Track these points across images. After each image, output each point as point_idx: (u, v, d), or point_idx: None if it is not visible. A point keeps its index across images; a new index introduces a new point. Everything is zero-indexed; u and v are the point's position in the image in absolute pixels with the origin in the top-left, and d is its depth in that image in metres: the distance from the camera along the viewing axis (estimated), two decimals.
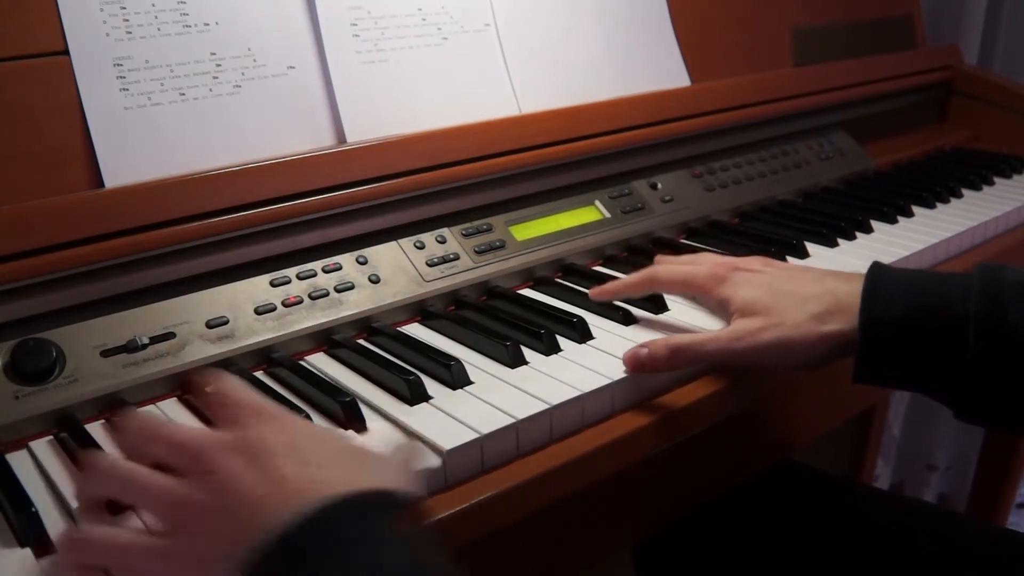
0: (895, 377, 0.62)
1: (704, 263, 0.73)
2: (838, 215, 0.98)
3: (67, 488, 0.53)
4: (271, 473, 0.42)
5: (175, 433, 0.45)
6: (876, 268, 0.64)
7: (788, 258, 0.88)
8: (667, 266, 0.75)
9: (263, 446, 0.43)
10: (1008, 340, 0.56)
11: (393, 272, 0.76)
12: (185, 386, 0.64)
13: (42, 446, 0.58)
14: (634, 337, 0.70)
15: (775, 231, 0.95)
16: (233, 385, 0.49)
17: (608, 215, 0.90)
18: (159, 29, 0.71)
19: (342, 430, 0.57)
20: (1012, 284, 0.58)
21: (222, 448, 0.44)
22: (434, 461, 0.54)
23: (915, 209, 1.03)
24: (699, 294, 0.74)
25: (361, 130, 0.80)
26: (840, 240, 0.93)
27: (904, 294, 0.60)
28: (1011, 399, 0.58)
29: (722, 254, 0.79)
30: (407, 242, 0.78)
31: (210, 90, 0.73)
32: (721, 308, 0.70)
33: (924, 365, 0.59)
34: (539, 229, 0.85)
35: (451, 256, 0.79)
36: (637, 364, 0.63)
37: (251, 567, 0.39)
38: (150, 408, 0.62)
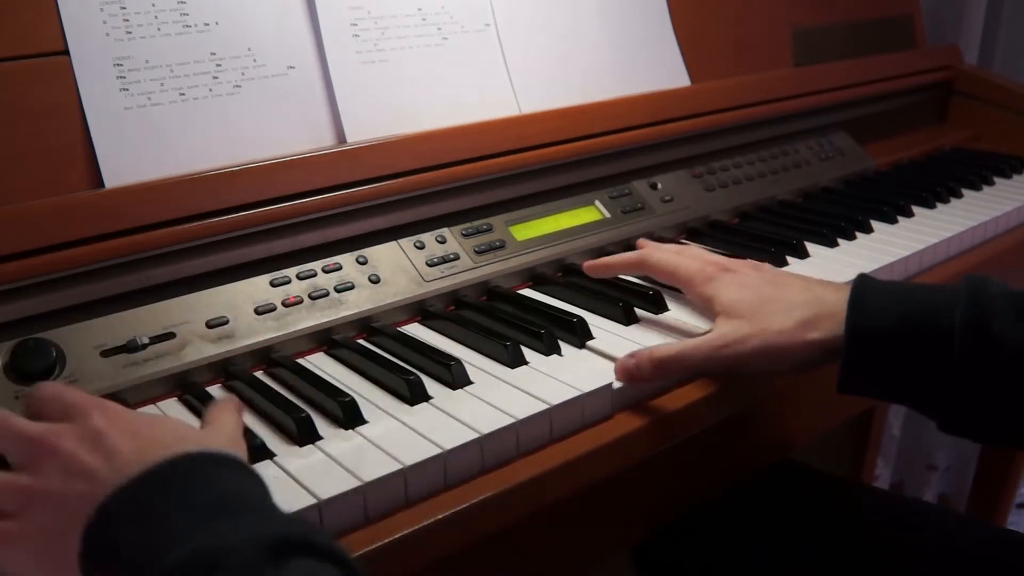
0: (880, 387, 0.61)
1: (695, 258, 0.73)
2: (838, 215, 0.98)
3: None
4: (104, 447, 0.46)
5: (15, 425, 0.48)
6: (862, 278, 0.63)
7: (788, 258, 0.88)
8: (659, 252, 0.76)
9: (96, 428, 0.47)
10: (994, 352, 0.56)
11: (393, 272, 0.76)
12: (185, 387, 0.64)
13: None
14: (634, 337, 0.70)
15: (775, 231, 0.95)
16: (56, 387, 0.51)
17: (608, 215, 0.90)
18: (159, 29, 0.71)
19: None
20: (998, 296, 0.57)
21: (59, 434, 0.47)
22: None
23: (915, 209, 1.03)
24: (685, 288, 0.73)
25: (361, 130, 0.80)
26: (840, 240, 0.93)
27: (891, 304, 0.60)
28: (996, 412, 0.57)
29: (711, 250, 0.79)
30: (407, 242, 0.78)
31: (210, 90, 0.73)
32: (705, 306, 0.70)
33: (909, 376, 0.59)
34: (539, 229, 0.85)
35: (451, 256, 0.79)
36: (627, 376, 0.64)
37: (92, 532, 0.43)
38: (150, 408, 0.62)
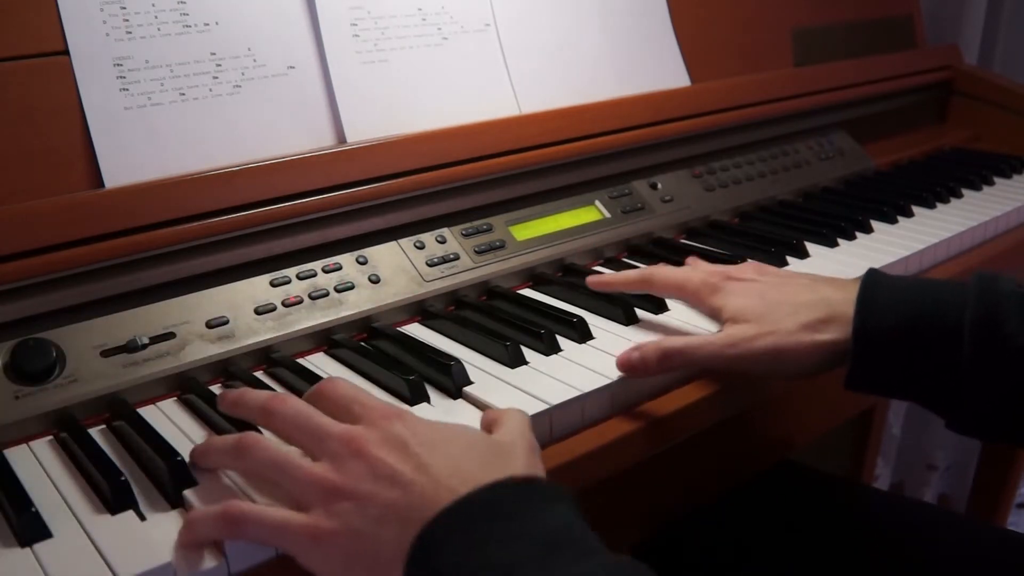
0: (888, 386, 0.61)
1: (698, 271, 0.73)
2: (838, 215, 0.98)
3: (67, 488, 0.53)
4: (413, 457, 0.46)
5: (323, 424, 0.49)
6: (872, 275, 0.63)
7: (788, 258, 0.88)
8: (663, 269, 0.75)
9: (403, 438, 0.47)
10: (1004, 351, 0.56)
11: (393, 272, 0.76)
12: (185, 387, 0.64)
13: (42, 446, 0.58)
14: (634, 337, 0.70)
15: (775, 231, 0.95)
16: (352, 388, 0.52)
17: (608, 215, 0.90)
18: (159, 29, 0.71)
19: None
20: (1008, 294, 0.57)
21: (365, 437, 0.47)
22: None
23: (915, 209, 1.03)
24: (691, 301, 0.74)
25: (361, 130, 0.80)
26: (840, 240, 0.93)
27: (899, 303, 0.59)
28: (1005, 411, 0.57)
29: (722, 256, 0.79)
30: (407, 242, 0.78)
31: (210, 90, 0.73)
32: (713, 318, 0.70)
33: (918, 375, 0.59)
34: (539, 229, 0.85)
35: (451, 256, 0.79)
36: (629, 367, 0.63)
37: (417, 557, 0.42)
38: (150, 408, 0.62)
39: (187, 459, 0.53)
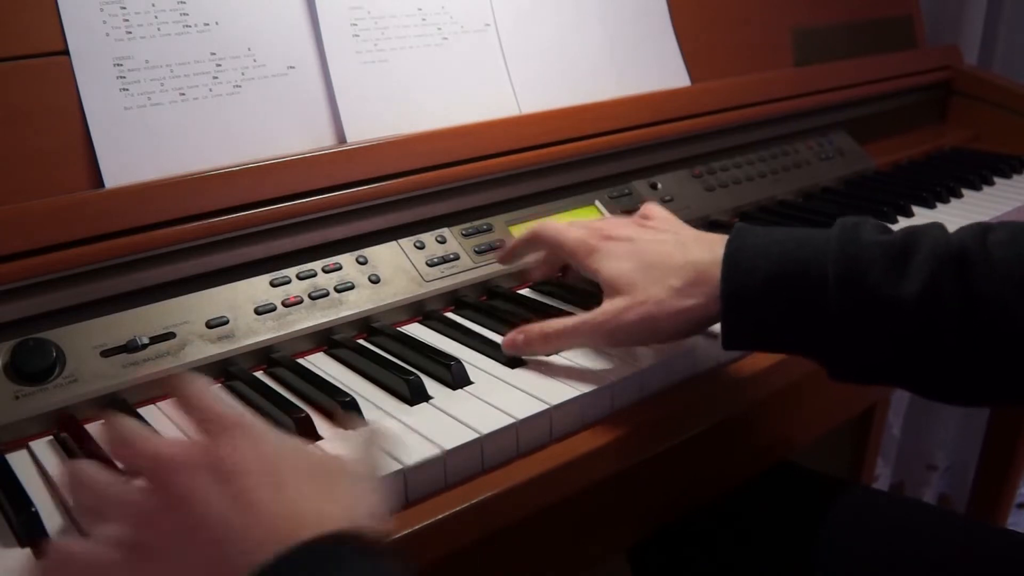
0: (763, 344, 0.62)
1: (581, 227, 0.71)
2: (838, 215, 0.97)
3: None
4: (242, 498, 0.40)
5: (148, 444, 0.44)
6: (739, 231, 0.63)
7: None
8: (552, 225, 0.73)
9: (236, 466, 0.41)
10: (870, 301, 0.56)
11: (393, 272, 0.76)
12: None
13: (42, 446, 0.58)
14: None
15: None
16: (204, 392, 0.46)
17: (608, 215, 0.90)
18: (159, 29, 0.71)
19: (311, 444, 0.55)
20: (868, 244, 0.57)
21: (194, 465, 0.42)
22: (402, 462, 0.54)
23: (915, 209, 1.03)
24: (569, 261, 0.72)
25: (361, 130, 0.80)
26: None
27: (763, 262, 0.59)
28: (881, 356, 0.58)
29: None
30: (407, 242, 0.78)
31: (210, 90, 0.73)
32: (594, 280, 0.69)
33: (790, 330, 0.59)
34: None
35: (451, 256, 0.79)
36: (513, 347, 0.66)
37: None
38: (150, 408, 0.62)
39: None
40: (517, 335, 0.66)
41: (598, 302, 0.75)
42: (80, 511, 0.48)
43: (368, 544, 0.40)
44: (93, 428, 0.59)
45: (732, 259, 0.61)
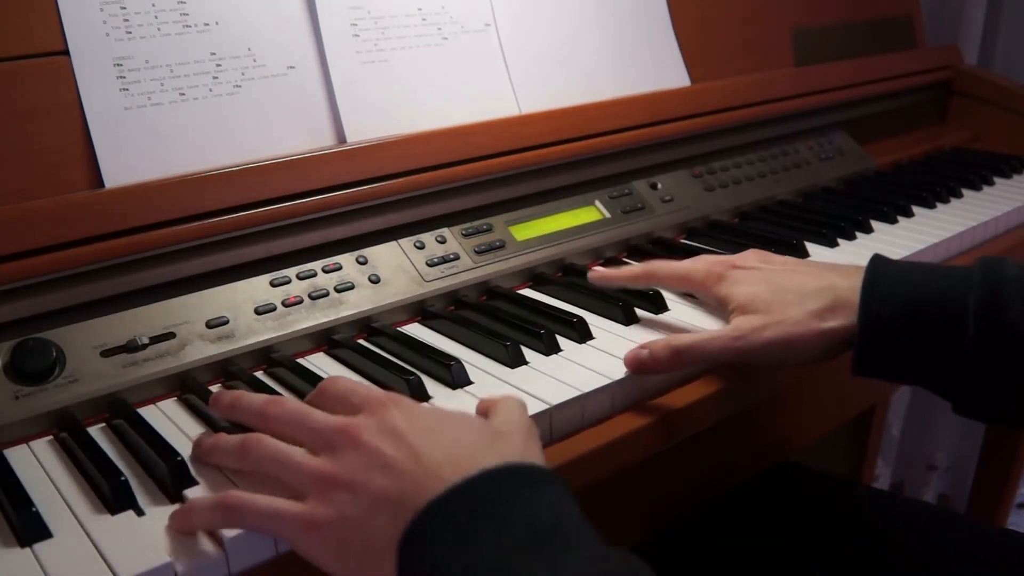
0: (894, 371, 0.62)
1: (702, 261, 0.74)
2: (838, 215, 0.98)
3: (67, 488, 0.53)
4: (406, 445, 0.46)
5: (319, 419, 0.49)
6: (876, 261, 0.64)
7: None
8: (666, 262, 0.76)
9: (398, 426, 0.47)
10: (1007, 335, 0.56)
11: (393, 272, 0.76)
12: (185, 387, 0.64)
13: (42, 446, 0.58)
14: (634, 337, 0.70)
15: (775, 231, 0.95)
16: (347, 383, 0.52)
17: (608, 215, 0.90)
18: (159, 29, 0.71)
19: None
20: (1012, 279, 0.57)
21: (359, 426, 0.48)
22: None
23: (915, 209, 1.03)
24: (697, 291, 0.74)
25: (361, 130, 0.80)
26: (840, 240, 0.93)
27: (903, 288, 0.60)
28: (1010, 394, 0.57)
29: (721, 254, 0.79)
30: (407, 242, 0.78)
31: (210, 90, 0.73)
32: (720, 307, 0.70)
33: (923, 360, 0.59)
34: (539, 229, 0.85)
35: (451, 256, 0.79)
36: (638, 365, 0.63)
37: (408, 548, 0.43)
38: (150, 408, 0.62)
39: (187, 459, 0.53)
40: (640, 350, 0.63)
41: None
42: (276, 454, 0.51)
43: (529, 471, 0.45)
44: (95, 428, 0.59)
45: (872, 284, 0.61)
